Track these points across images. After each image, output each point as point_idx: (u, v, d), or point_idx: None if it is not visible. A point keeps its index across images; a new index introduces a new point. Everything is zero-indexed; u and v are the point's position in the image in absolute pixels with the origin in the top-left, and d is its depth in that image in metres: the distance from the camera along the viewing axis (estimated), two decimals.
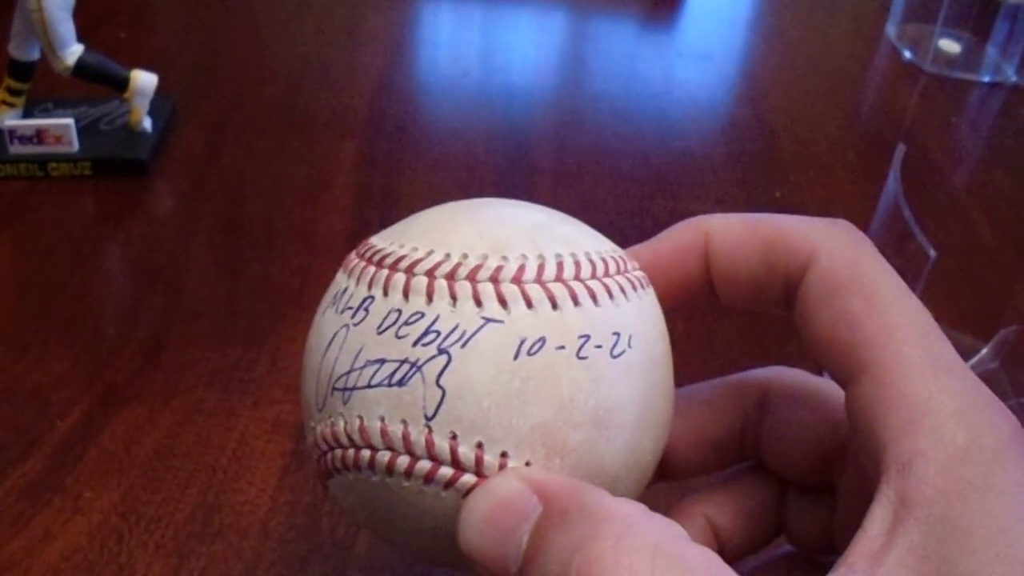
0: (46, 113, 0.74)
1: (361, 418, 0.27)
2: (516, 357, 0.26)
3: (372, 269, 0.28)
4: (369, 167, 0.75)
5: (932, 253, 0.46)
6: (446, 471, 0.26)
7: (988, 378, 0.57)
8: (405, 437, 0.26)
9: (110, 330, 0.59)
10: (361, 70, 0.88)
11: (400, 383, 0.26)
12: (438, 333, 0.26)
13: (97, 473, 0.50)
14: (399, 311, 0.27)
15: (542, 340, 0.26)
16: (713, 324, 0.61)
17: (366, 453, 0.27)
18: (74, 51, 0.70)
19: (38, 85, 0.73)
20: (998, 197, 0.77)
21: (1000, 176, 0.80)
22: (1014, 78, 0.93)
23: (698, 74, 0.93)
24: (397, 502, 0.27)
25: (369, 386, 0.27)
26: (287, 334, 0.59)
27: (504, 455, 0.26)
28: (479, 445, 0.26)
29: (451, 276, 0.27)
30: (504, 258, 0.27)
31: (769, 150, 0.80)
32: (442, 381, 0.26)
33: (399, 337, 0.27)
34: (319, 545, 0.47)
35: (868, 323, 0.27)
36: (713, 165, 0.77)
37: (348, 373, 0.27)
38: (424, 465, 0.26)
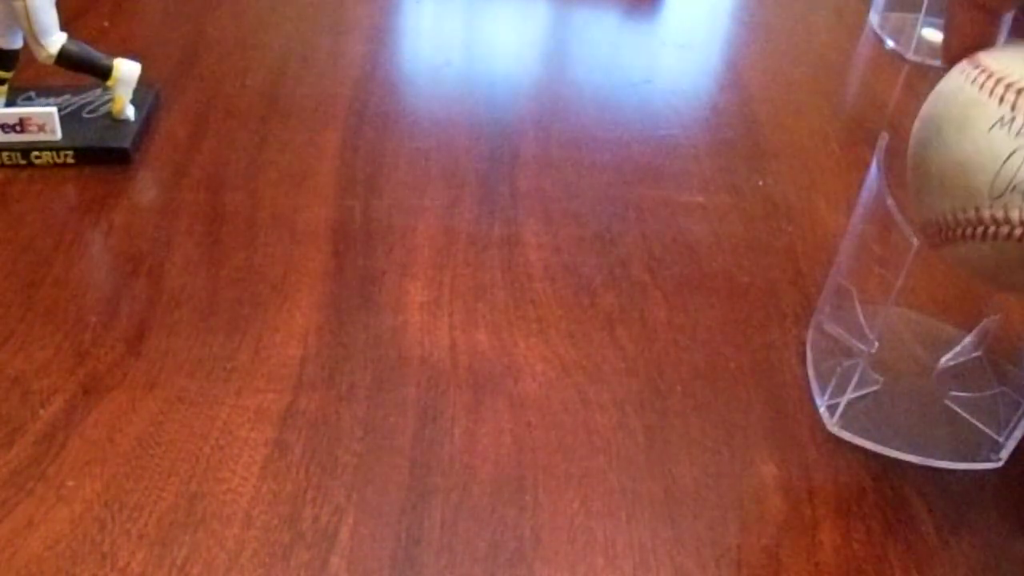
0: (29, 101, 0.74)
1: None
2: None
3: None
4: (352, 156, 0.75)
5: (915, 242, 0.46)
6: None
7: (970, 367, 0.58)
8: None
9: (92, 319, 0.58)
10: (344, 59, 0.88)
11: None
12: None
13: (80, 462, 0.50)
14: None
15: None
16: (695, 313, 0.61)
17: None
18: (57, 39, 0.69)
19: (21, 73, 0.72)
20: None
21: None
22: None
23: (680, 63, 0.93)
24: None
25: None
26: (270, 323, 0.59)
27: None
28: None
29: None
30: None
31: (752, 139, 0.81)
32: None
33: None
34: (302, 533, 0.47)
35: None
36: (696, 154, 0.78)
37: None
38: None
